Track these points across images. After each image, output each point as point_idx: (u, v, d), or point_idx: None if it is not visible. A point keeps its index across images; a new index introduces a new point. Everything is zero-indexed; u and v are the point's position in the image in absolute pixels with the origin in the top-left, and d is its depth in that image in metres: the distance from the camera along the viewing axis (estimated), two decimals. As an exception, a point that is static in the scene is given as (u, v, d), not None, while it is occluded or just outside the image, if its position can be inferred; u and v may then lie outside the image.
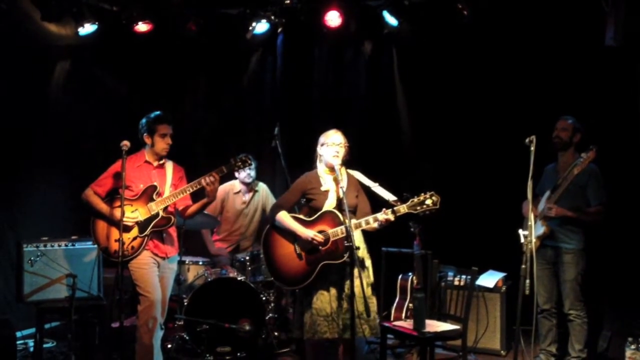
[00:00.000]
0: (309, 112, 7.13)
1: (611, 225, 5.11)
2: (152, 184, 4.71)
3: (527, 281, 4.50)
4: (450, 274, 5.67)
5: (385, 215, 4.24)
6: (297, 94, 7.23)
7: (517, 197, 5.05)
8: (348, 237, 4.15)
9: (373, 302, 4.41)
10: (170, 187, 4.78)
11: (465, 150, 6.51)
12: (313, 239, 4.31)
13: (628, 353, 4.90)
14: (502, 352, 5.58)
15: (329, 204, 4.43)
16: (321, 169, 4.54)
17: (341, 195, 4.27)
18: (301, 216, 4.51)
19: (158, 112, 4.75)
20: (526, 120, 5.64)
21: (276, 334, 5.73)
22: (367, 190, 4.52)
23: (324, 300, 4.34)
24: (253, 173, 6.17)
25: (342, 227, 4.29)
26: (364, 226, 4.30)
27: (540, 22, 6.00)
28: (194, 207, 4.82)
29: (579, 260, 4.97)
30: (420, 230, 4.97)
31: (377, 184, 4.45)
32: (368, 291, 4.32)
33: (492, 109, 6.35)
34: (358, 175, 4.55)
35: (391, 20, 6.54)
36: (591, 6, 5.47)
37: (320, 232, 4.35)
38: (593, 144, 4.78)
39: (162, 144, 4.71)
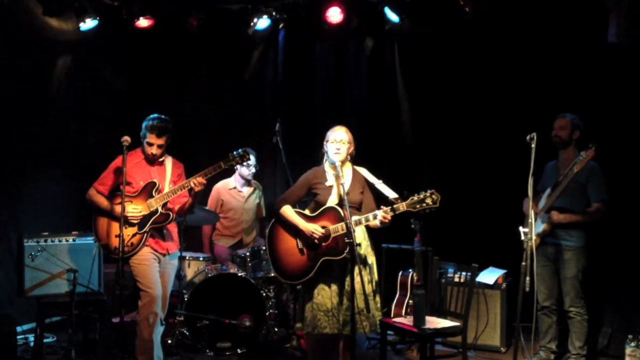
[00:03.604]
0: (310, 108, 7.12)
1: (611, 223, 5.10)
2: (151, 181, 4.72)
3: (527, 278, 4.51)
4: (451, 270, 5.67)
5: (384, 213, 4.23)
6: (298, 90, 7.21)
7: (517, 194, 5.05)
8: (349, 233, 4.15)
9: (376, 300, 4.41)
10: (169, 183, 4.78)
11: (466, 147, 6.50)
12: (313, 233, 4.32)
13: (628, 350, 4.90)
14: (502, 348, 5.58)
15: (332, 200, 4.43)
16: (327, 164, 4.54)
17: (341, 192, 4.27)
18: (306, 212, 4.51)
19: (154, 120, 4.68)
20: (527, 117, 5.63)
21: (276, 329, 5.73)
22: (371, 186, 4.52)
23: (325, 295, 4.35)
24: (254, 169, 6.18)
25: (343, 223, 4.28)
26: (364, 223, 4.30)
27: (543, 18, 5.98)
28: (184, 208, 4.81)
29: (579, 258, 4.97)
30: (421, 227, 4.96)
31: (380, 181, 4.45)
32: (369, 288, 4.31)
33: (493, 105, 6.33)
34: (363, 171, 4.55)
35: (392, 16, 6.53)
36: (593, 3, 5.45)
37: (321, 227, 4.36)
38: (593, 141, 4.77)
39: (147, 150, 4.72)
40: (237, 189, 6.30)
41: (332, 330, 4.31)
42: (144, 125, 4.70)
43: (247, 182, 6.29)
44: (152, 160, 4.77)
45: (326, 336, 4.39)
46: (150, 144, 4.68)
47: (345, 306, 4.31)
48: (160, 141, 4.68)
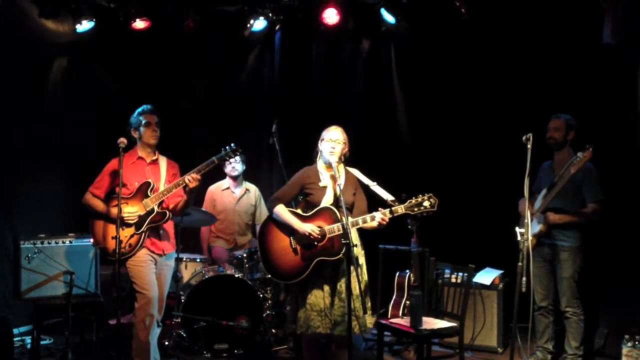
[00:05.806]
0: (307, 109, 7.12)
1: (607, 223, 5.11)
2: (146, 181, 4.72)
3: (524, 279, 4.51)
4: (447, 271, 5.66)
5: (382, 215, 4.24)
6: (294, 91, 7.22)
7: (514, 195, 5.05)
8: (345, 234, 4.14)
9: (366, 300, 4.41)
10: (164, 183, 4.78)
11: (462, 148, 6.51)
12: (310, 233, 4.31)
13: (624, 350, 4.90)
14: (498, 349, 5.59)
15: (327, 200, 4.43)
16: (320, 164, 4.54)
17: (338, 192, 4.27)
18: (299, 211, 4.51)
19: (141, 107, 4.79)
20: (523, 117, 5.64)
21: (274, 330, 5.73)
22: (364, 188, 4.52)
23: (318, 295, 4.34)
24: (239, 166, 6.18)
25: (339, 224, 4.28)
26: (361, 224, 4.30)
27: (538, 19, 6.00)
28: (179, 206, 4.81)
29: (575, 258, 4.98)
30: (418, 228, 4.97)
31: (375, 183, 4.45)
32: (362, 288, 4.31)
33: (489, 106, 6.35)
34: (356, 173, 4.54)
35: (389, 17, 6.54)
36: (589, 3, 5.47)
37: (317, 228, 4.35)
38: (589, 142, 4.77)
39: (147, 132, 4.74)
40: (230, 190, 6.31)
41: (325, 330, 4.31)
42: (134, 115, 4.77)
43: (234, 180, 6.27)
44: (153, 146, 4.77)
45: (320, 336, 4.40)
46: (149, 123, 4.73)
47: (337, 306, 4.32)
48: (157, 118, 4.76)
